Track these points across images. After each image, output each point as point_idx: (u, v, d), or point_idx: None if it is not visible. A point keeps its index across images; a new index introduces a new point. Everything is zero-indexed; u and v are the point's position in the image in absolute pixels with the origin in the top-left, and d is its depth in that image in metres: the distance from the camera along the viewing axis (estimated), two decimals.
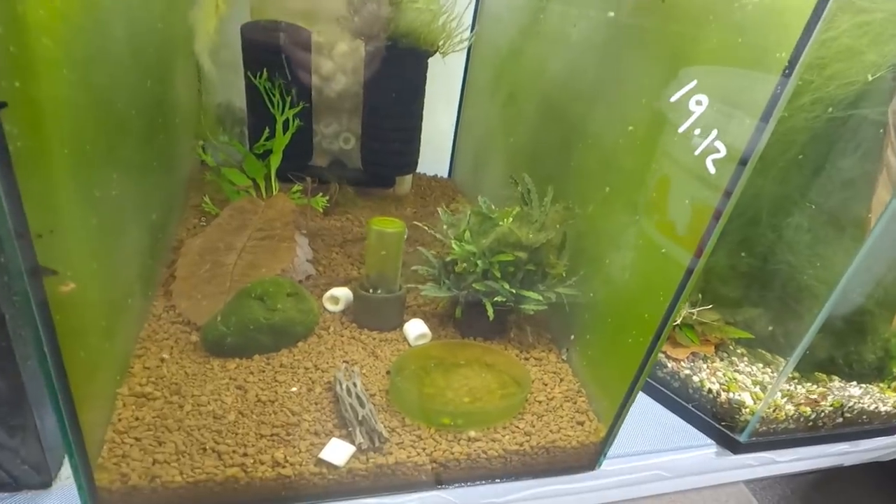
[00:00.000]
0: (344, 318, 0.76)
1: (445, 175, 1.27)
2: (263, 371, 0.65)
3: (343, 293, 0.77)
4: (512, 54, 0.92)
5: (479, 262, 0.65)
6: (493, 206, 0.68)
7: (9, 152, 0.35)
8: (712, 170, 0.48)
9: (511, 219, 0.64)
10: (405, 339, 0.73)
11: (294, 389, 0.63)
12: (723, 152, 0.46)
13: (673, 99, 0.47)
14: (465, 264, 0.66)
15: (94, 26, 0.52)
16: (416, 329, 0.72)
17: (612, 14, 0.64)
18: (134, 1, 0.63)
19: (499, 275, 0.65)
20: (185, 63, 0.92)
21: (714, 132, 0.46)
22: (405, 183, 1.13)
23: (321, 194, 0.97)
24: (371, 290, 0.72)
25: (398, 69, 0.95)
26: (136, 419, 0.58)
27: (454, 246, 0.66)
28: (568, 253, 0.67)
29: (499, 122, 0.99)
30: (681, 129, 0.47)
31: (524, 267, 0.66)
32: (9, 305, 0.47)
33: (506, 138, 0.96)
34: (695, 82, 0.46)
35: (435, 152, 1.23)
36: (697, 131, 0.47)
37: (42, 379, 0.44)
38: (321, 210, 0.96)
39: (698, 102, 0.46)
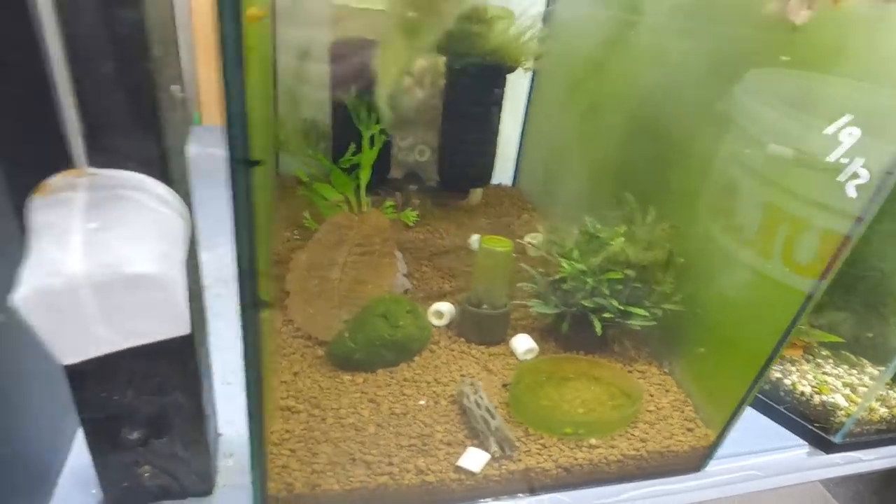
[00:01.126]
0: (449, 332, 0.81)
1: (509, 183, 1.31)
2: (389, 385, 0.70)
3: (447, 308, 0.81)
4: (594, 66, 0.94)
5: (588, 279, 0.69)
6: (598, 226, 0.72)
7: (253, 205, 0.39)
8: (853, 194, 0.51)
9: (621, 238, 0.68)
10: (512, 354, 0.77)
11: (422, 402, 0.68)
12: (864, 178, 0.50)
13: (829, 131, 0.51)
14: (574, 282, 0.70)
15: None
16: (524, 344, 0.76)
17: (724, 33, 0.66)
18: None
19: (607, 292, 0.69)
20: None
21: (860, 160, 0.50)
22: (477, 194, 1.16)
23: (410, 209, 1.01)
24: (478, 306, 0.77)
25: (482, 85, 0.98)
26: (287, 432, 0.63)
27: (564, 264, 0.70)
28: (674, 271, 0.71)
29: (575, 133, 1.02)
30: (830, 158, 0.51)
31: (631, 284, 0.70)
32: (199, 329, 0.52)
33: (584, 151, 0.99)
34: (849, 117, 0.49)
35: (499, 161, 1.26)
36: (844, 159, 0.51)
37: (248, 399, 0.49)
38: (411, 224, 1.00)
39: (850, 134, 0.49)
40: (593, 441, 0.65)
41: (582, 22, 1.04)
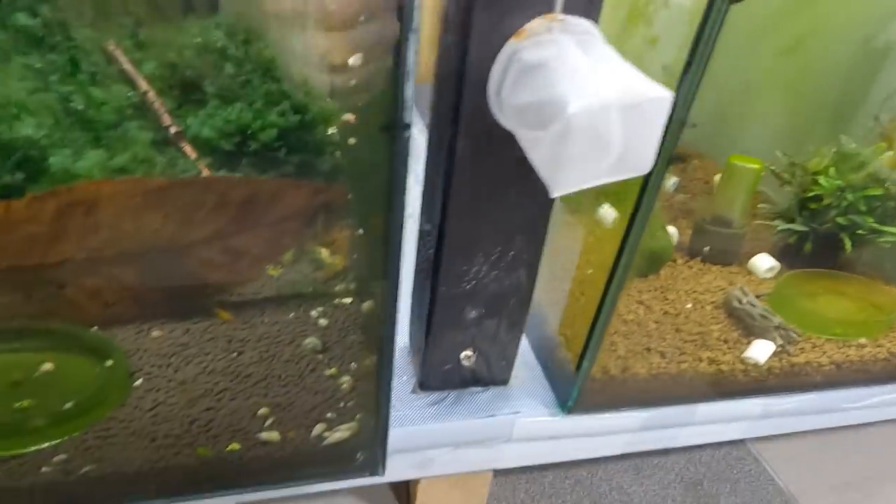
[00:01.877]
0: (677, 251, 0.85)
1: None
2: (649, 291, 0.75)
3: (672, 230, 0.85)
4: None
5: (849, 195, 0.73)
6: (853, 144, 0.76)
7: None
8: None
9: (890, 152, 0.72)
10: (749, 273, 0.81)
11: (689, 306, 0.72)
12: None
13: None
14: (830, 199, 0.73)
15: None
16: (765, 262, 0.79)
17: None
18: None
19: (864, 209, 0.72)
20: None
21: None
22: None
23: None
24: (717, 226, 0.81)
25: None
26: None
27: (822, 181, 0.74)
28: None
29: (779, 68, 1.03)
30: None
31: (886, 203, 0.73)
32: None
33: (785, 87, 1.00)
34: None
35: None
36: None
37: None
38: None
39: None
40: (862, 341, 0.69)
41: None
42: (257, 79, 0.69)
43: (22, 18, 0.59)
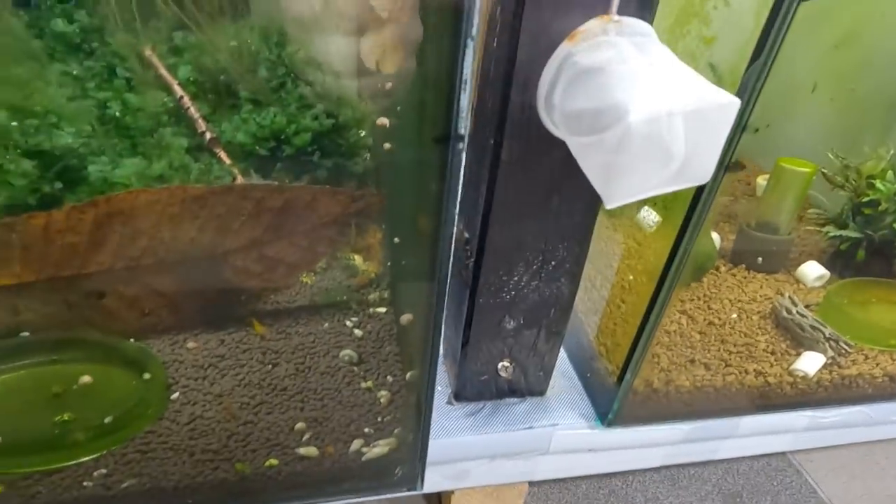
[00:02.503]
0: (720, 258, 0.82)
1: None
2: (692, 300, 0.72)
3: (715, 236, 0.83)
4: None
5: None
6: None
7: None
8: None
9: None
10: (797, 281, 0.78)
11: (734, 316, 0.70)
12: None
13: None
14: (887, 204, 0.70)
15: None
16: (814, 270, 0.76)
17: None
18: None
19: None
20: None
21: None
22: None
23: None
24: (762, 231, 0.78)
25: None
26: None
27: (879, 185, 0.70)
28: None
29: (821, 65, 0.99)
30: None
31: None
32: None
33: (837, 84, 0.96)
34: None
35: None
36: None
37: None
38: None
39: None
40: None
41: None
42: (291, 82, 0.68)
43: (60, 25, 0.58)
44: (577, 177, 0.52)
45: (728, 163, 0.44)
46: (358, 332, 0.63)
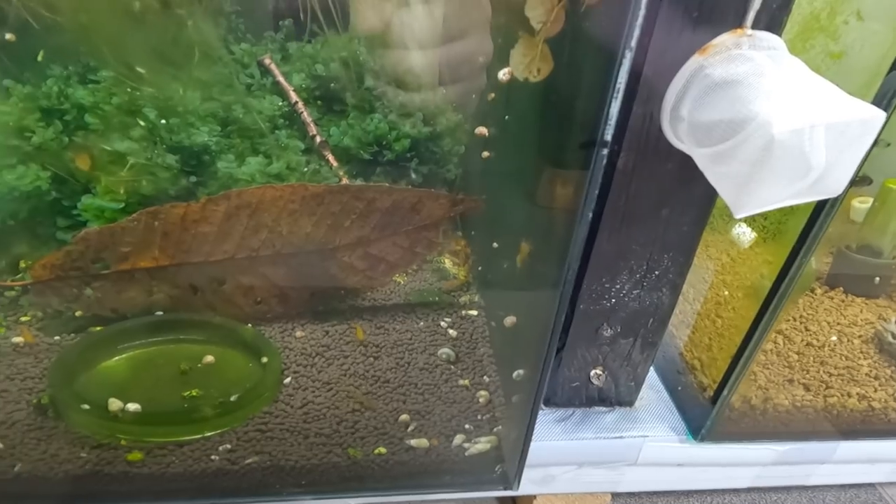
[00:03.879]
0: (815, 280, 0.80)
1: None
2: (788, 321, 0.71)
3: None
4: None
5: None
6: None
7: None
8: None
9: None
10: None
11: (834, 338, 0.68)
12: None
13: None
14: None
15: None
16: None
17: None
18: None
19: None
20: None
21: None
22: None
23: None
24: (865, 255, 0.76)
25: None
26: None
27: None
28: None
29: None
30: None
31: None
32: None
33: None
34: None
35: None
36: None
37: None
38: None
39: None
40: None
41: None
42: (391, 91, 0.71)
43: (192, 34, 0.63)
44: (688, 189, 0.53)
45: (855, 177, 0.43)
46: (452, 332, 0.65)
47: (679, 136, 0.45)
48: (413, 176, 0.70)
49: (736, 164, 0.39)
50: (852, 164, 0.38)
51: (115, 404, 0.47)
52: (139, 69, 0.52)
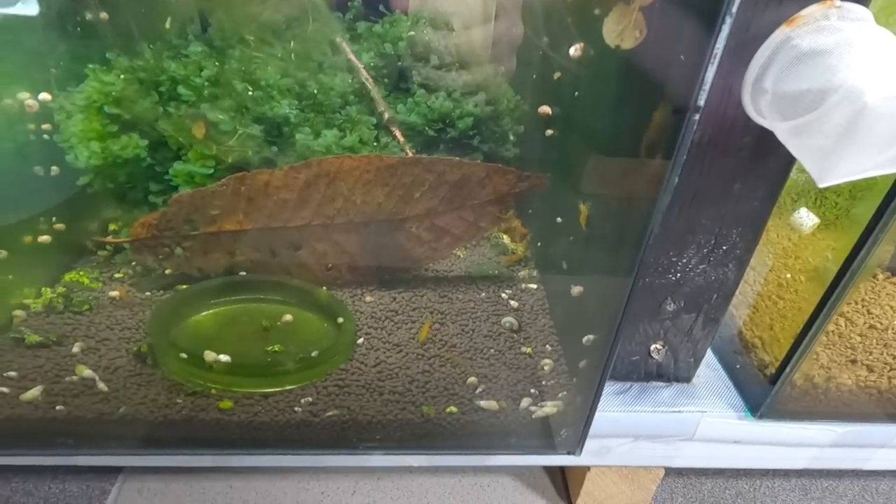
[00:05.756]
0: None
1: None
2: (849, 304, 0.71)
3: None
4: None
5: None
6: None
7: None
8: None
9: None
10: None
11: None
12: None
13: None
14: None
15: None
16: None
17: None
18: None
19: None
20: None
21: None
22: None
23: None
24: None
25: None
26: None
27: None
28: None
29: None
30: None
31: None
32: None
33: None
34: None
35: None
36: None
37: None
38: None
39: None
40: None
41: None
42: (455, 70, 0.73)
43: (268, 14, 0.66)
44: (762, 164, 0.53)
45: None
46: (514, 303, 0.67)
47: (760, 110, 0.45)
48: (475, 154, 0.72)
49: (820, 135, 0.39)
50: None
51: (209, 355, 0.51)
52: (249, 38, 0.55)
